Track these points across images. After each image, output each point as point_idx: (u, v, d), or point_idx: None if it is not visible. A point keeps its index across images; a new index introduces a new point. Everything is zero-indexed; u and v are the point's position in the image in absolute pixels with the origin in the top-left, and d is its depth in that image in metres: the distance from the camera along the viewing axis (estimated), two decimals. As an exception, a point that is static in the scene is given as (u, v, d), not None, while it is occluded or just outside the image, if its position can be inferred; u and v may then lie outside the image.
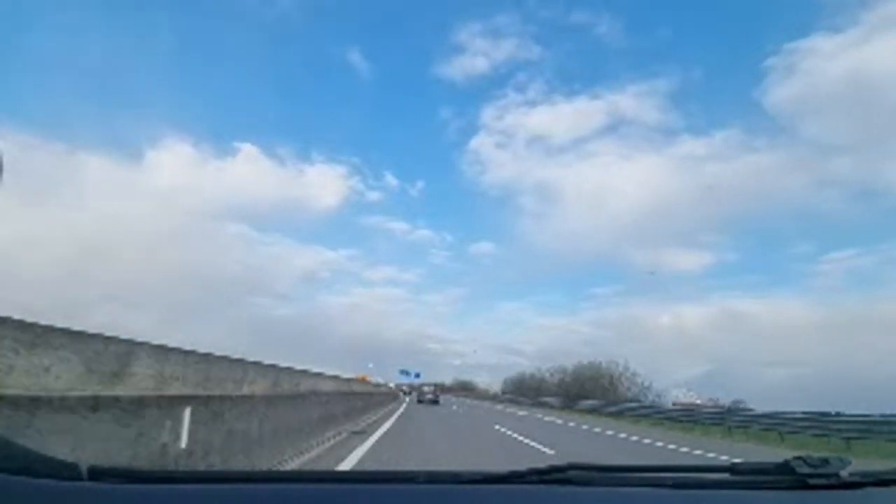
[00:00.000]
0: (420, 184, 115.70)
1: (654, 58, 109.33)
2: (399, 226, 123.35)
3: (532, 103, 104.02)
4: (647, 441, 13.56)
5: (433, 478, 1.00)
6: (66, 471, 0.88)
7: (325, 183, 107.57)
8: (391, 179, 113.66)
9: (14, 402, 1.98)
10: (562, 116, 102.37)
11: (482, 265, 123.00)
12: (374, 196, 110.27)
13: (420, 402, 30.33)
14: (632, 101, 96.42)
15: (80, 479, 0.87)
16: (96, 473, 0.89)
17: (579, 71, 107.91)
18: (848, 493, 1.02)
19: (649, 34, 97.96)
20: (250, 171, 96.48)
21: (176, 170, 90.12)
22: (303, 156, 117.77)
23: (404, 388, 34.93)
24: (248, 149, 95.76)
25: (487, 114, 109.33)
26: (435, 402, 30.59)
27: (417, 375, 54.55)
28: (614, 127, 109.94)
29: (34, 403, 2.05)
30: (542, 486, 0.97)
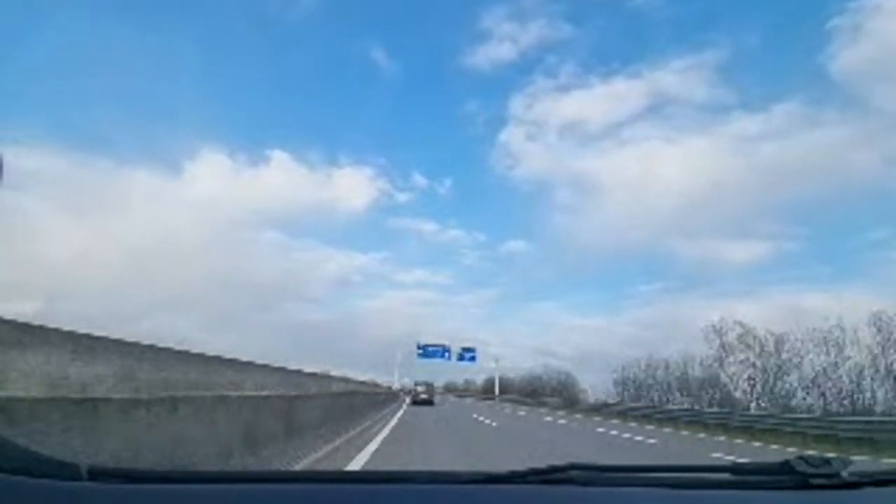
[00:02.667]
0: (448, 182, 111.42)
1: (700, 26, 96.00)
2: (429, 226, 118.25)
3: (564, 88, 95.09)
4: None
5: (433, 478, 1.00)
6: (65, 471, 0.88)
7: (353, 186, 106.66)
8: (419, 179, 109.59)
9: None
10: (597, 100, 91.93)
11: (515, 264, 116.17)
12: (402, 197, 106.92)
13: (415, 402, 30.12)
14: (676, 77, 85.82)
15: (79, 479, 0.87)
16: (96, 473, 0.89)
17: (616, 48, 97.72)
18: (848, 492, 1.02)
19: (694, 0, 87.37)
20: (282, 178, 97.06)
21: (213, 180, 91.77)
22: (331, 160, 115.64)
23: (418, 388, 34.16)
24: (278, 155, 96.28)
25: (516, 104, 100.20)
26: (429, 402, 30.43)
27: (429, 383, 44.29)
28: (657, 108, 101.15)
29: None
30: (542, 486, 0.97)
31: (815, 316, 26.21)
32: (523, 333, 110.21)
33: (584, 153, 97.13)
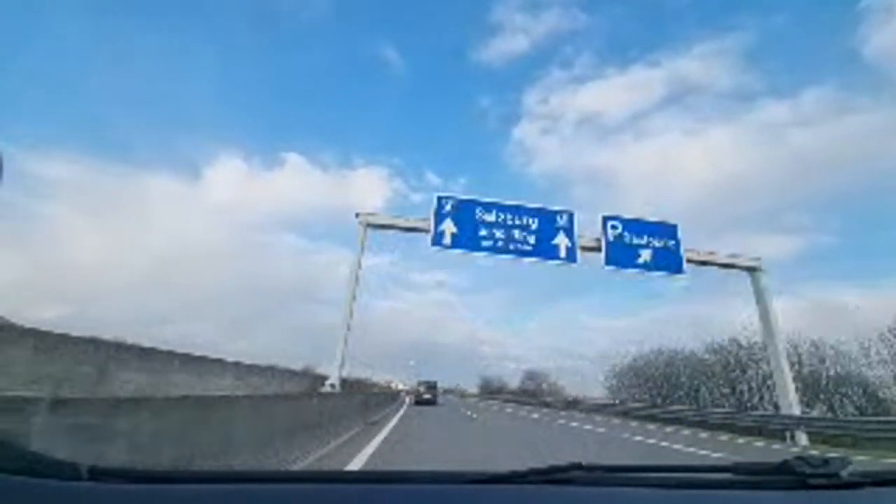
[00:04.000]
0: (463, 181, 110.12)
1: (723, 9, 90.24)
2: None
3: (580, 80, 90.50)
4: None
5: (434, 478, 1.00)
6: (66, 471, 0.88)
7: (367, 187, 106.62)
8: (433, 178, 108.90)
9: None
10: (614, 91, 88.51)
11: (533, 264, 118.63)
12: (416, 197, 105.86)
13: (417, 402, 29.49)
14: (698, 64, 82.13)
15: (80, 479, 0.87)
16: (96, 473, 0.89)
17: (634, 36, 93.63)
18: (848, 492, 1.02)
19: (717, -20, 75.31)
20: (297, 181, 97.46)
21: (230, 184, 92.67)
22: (344, 161, 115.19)
23: (421, 387, 33.17)
24: (293, 158, 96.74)
25: (530, 98, 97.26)
26: (432, 402, 29.89)
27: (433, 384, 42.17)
28: (678, 97, 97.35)
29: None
30: (543, 486, 0.97)
31: (851, 312, 23.00)
32: (543, 334, 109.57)
33: (602, 147, 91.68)
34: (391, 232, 17.91)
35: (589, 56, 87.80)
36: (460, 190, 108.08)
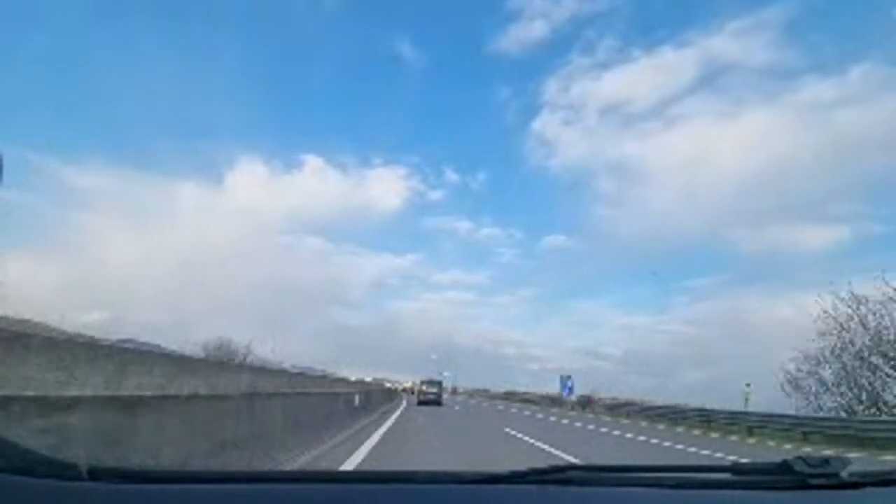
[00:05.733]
0: (482, 177, 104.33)
1: None
2: (463, 225, 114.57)
3: (603, 65, 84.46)
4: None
5: (433, 478, 1.00)
6: (66, 471, 0.88)
7: (386, 186, 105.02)
8: (452, 175, 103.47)
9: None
10: (641, 75, 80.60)
11: (555, 261, 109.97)
12: (435, 195, 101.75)
13: (421, 402, 27.73)
14: (732, 42, 71.99)
15: (80, 479, 0.87)
16: (96, 473, 0.89)
17: (661, 14, 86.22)
18: (848, 493, 1.02)
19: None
20: (317, 182, 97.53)
21: (252, 188, 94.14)
22: (363, 161, 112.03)
23: (424, 386, 31.28)
24: (312, 160, 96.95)
25: (550, 87, 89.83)
26: (437, 402, 28.05)
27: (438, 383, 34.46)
28: (710, 79, 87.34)
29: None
30: (542, 487, 0.97)
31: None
32: (565, 334, 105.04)
33: (628, 136, 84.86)
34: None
35: (613, 39, 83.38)
36: (478, 186, 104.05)
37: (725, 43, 72.69)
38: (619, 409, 29.34)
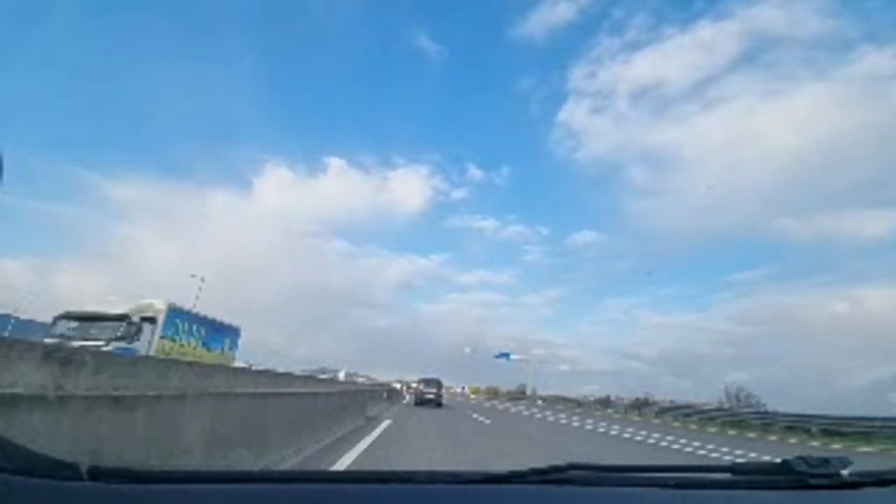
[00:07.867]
0: (506, 172, 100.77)
1: None
2: (488, 223, 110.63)
3: (633, 46, 74.37)
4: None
5: (433, 478, 1.00)
6: (66, 471, 0.88)
7: (409, 186, 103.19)
8: (475, 172, 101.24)
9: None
10: (676, 54, 70.67)
11: (584, 258, 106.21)
12: (459, 194, 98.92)
13: (418, 403, 26.43)
14: (778, 11, 64.45)
15: (80, 479, 0.87)
16: (96, 473, 0.89)
17: None
18: (848, 492, 1.02)
19: None
20: (340, 185, 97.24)
21: (279, 192, 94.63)
22: (385, 161, 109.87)
23: (421, 385, 29.40)
24: (335, 162, 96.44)
25: (576, 74, 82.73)
26: (437, 403, 26.73)
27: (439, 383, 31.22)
28: (754, 54, 78.61)
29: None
30: (542, 486, 0.97)
31: None
32: (597, 334, 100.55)
33: (662, 122, 76.36)
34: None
35: (644, 16, 77.10)
36: (502, 183, 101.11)
37: (770, 13, 66.33)
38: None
